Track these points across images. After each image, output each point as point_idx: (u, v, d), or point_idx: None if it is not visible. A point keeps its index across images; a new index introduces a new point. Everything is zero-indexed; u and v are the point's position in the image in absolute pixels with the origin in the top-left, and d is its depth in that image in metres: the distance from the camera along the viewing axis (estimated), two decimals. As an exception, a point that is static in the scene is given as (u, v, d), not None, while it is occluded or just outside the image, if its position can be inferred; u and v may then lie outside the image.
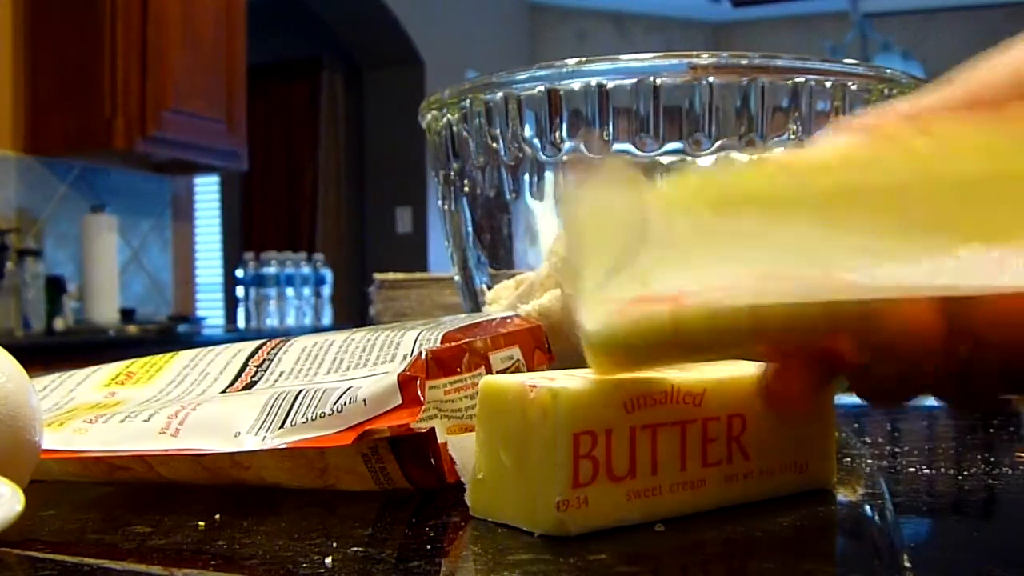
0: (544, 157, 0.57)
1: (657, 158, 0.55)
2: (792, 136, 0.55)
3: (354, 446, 0.35)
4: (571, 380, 0.31)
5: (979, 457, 0.44)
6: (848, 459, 0.44)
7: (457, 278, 0.65)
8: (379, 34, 4.53)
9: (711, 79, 0.53)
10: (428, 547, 0.31)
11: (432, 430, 0.36)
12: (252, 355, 0.45)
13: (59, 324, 2.69)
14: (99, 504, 0.39)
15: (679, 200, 0.29)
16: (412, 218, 4.63)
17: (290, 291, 3.50)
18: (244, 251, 3.84)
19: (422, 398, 0.36)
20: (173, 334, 2.81)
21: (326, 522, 0.34)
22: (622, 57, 0.54)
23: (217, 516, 0.34)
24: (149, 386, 0.44)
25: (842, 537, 0.33)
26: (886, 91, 0.55)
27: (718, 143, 0.54)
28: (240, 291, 3.51)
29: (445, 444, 0.37)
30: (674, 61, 0.54)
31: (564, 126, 0.56)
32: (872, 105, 0.56)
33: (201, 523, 0.33)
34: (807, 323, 0.27)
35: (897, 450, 0.47)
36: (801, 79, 0.53)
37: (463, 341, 0.41)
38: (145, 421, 0.38)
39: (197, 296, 3.67)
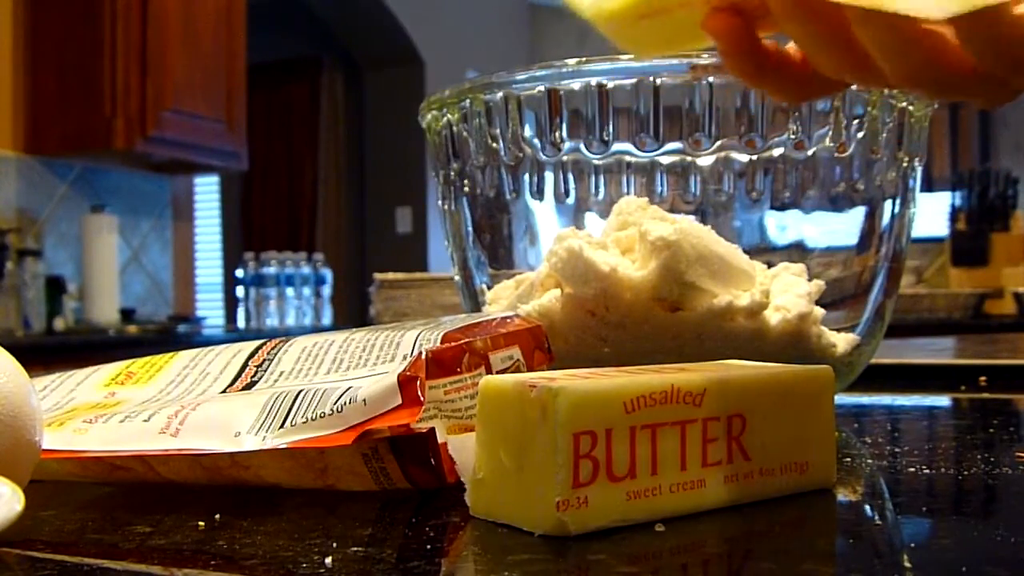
0: (544, 157, 0.57)
1: (657, 158, 0.55)
2: (792, 136, 0.55)
3: (354, 446, 0.35)
4: (571, 380, 0.31)
5: (979, 457, 0.44)
6: (848, 459, 0.44)
7: (457, 278, 0.65)
8: (379, 34, 4.53)
9: (711, 79, 0.54)
10: (428, 547, 0.31)
11: (432, 430, 0.36)
12: (252, 355, 0.45)
13: (59, 324, 2.69)
14: (99, 504, 0.39)
15: None
16: (412, 218, 4.63)
17: (290, 291, 3.49)
18: (244, 251, 3.84)
19: (422, 398, 0.36)
20: (173, 334, 2.81)
21: (326, 522, 0.34)
22: (622, 57, 0.54)
23: (217, 516, 0.34)
24: (149, 386, 0.44)
25: (842, 537, 0.33)
26: (885, 91, 0.55)
27: (718, 143, 0.54)
28: (240, 291, 3.51)
29: (445, 444, 0.37)
30: (674, 61, 0.54)
31: (564, 126, 0.56)
32: (872, 105, 0.56)
33: (201, 523, 0.33)
34: None
35: (897, 450, 0.47)
36: (801, 79, 0.53)
37: (463, 341, 0.41)
38: (145, 421, 0.38)
39: (197, 296, 3.67)
